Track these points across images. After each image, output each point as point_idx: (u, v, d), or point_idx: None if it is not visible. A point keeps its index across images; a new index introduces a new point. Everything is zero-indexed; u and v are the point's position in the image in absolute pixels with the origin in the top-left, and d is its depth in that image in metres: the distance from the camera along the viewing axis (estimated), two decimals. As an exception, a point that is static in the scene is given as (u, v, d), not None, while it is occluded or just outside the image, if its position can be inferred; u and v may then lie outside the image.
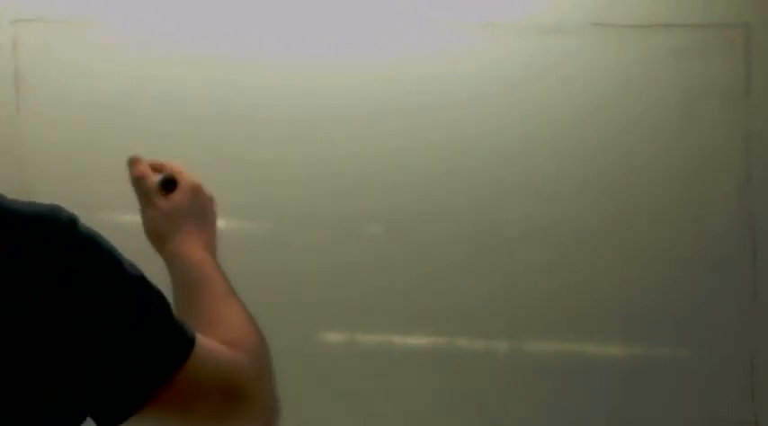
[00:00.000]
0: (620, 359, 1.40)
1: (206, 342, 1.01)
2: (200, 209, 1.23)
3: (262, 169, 1.38)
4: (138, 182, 1.21)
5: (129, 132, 1.37)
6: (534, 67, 1.40)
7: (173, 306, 1.09)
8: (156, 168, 1.24)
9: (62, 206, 0.91)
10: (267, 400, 1.11)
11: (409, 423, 1.39)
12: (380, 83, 1.39)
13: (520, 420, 1.40)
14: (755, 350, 1.39)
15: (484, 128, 1.40)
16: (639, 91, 1.40)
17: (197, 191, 1.23)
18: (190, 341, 0.98)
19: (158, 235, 1.23)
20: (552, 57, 1.40)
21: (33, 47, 1.35)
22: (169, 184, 1.22)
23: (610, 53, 1.40)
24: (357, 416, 1.39)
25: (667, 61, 1.40)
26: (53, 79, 1.35)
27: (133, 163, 1.20)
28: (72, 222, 0.91)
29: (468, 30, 1.40)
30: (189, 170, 1.28)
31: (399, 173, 1.40)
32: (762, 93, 1.40)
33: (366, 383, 1.39)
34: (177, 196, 1.21)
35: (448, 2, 1.40)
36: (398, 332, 1.40)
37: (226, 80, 1.37)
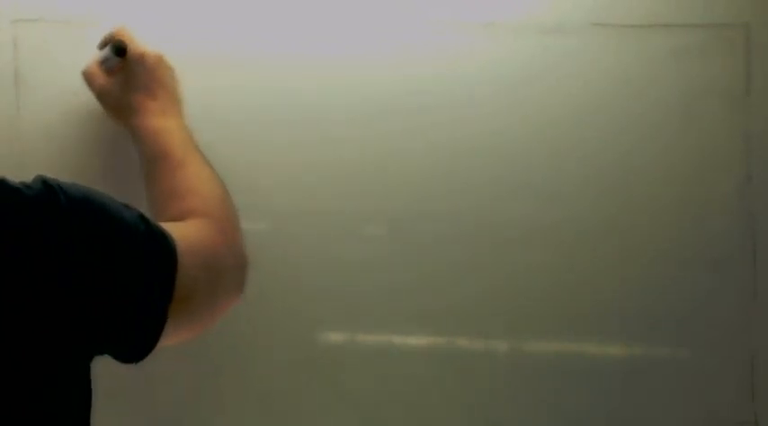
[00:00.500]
0: (620, 359, 1.40)
1: (180, 236, 1.05)
2: (150, 75, 1.26)
3: (260, 169, 1.38)
4: (85, 77, 1.28)
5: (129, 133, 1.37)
6: (534, 67, 1.40)
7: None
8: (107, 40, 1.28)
9: (44, 177, 0.95)
10: (238, 251, 1.18)
11: (409, 423, 1.39)
12: (380, 83, 1.39)
13: (520, 420, 1.40)
14: (755, 350, 1.39)
15: (484, 128, 1.40)
16: (639, 91, 1.40)
17: (143, 59, 1.26)
18: (173, 251, 1.03)
19: (116, 115, 1.28)
20: (552, 57, 1.40)
21: (33, 47, 1.35)
22: (121, 50, 1.24)
23: (610, 53, 1.40)
24: (357, 416, 1.39)
25: (667, 61, 1.40)
26: (53, 79, 1.35)
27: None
28: (61, 189, 0.95)
29: (468, 30, 1.40)
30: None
31: (399, 173, 1.40)
32: (762, 93, 1.40)
33: (366, 383, 1.39)
34: (123, 72, 1.25)
35: (448, 2, 1.40)
36: (398, 332, 1.40)
37: (225, 80, 1.37)
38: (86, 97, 1.32)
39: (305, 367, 1.39)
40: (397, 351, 1.39)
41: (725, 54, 1.40)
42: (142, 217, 1.03)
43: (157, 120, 1.23)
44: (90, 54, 1.30)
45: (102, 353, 1.01)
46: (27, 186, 0.96)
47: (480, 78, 1.40)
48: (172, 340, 1.06)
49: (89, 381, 0.99)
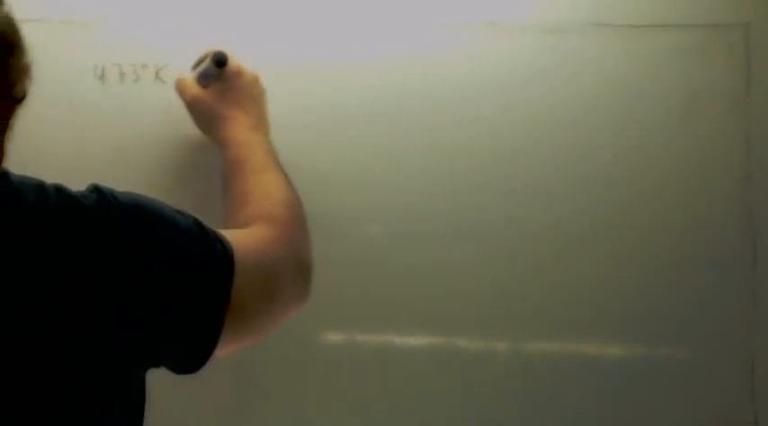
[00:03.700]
0: (620, 359, 1.40)
1: (238, 242, 1.05)
2: (245, 91, 1.30)
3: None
4: (178, 86, 1.31)
5: (130, 133, 1.37)
6: (534, 67, 1.40)
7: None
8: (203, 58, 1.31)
9: (98, 185, 0.95)
10: (301, 257, 1.19)
11: (409, 423, 1.39)
12: (381, 83, 1.39)
13: (520, 420, 1.40)
14: (755, 350, 1.39)
15: (484, 127, 1.40)
16: (639, 91, 1.40)
17: (240, 75, 1.29)
18: (229, 257, 1.02)
19: (204, 124, 1.31)
20: (552, 57, 1.40)
21: (33, 47, 1.35)
22: (221, 61, 1.28)
23: (610, 53, 1.40)
24: (357, 416, 1.39)
25: (667, 61, 1.40)
26: (53, 79, 1.35)
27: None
28: (114, 198, 0.96)
29: (469, 29, 1.40)
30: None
31: (400, 172, 1.40)
32: (762, 93, 1.40)
33: (366, 383, 1.39)
34: (218, 85, 1.29)
35: (449, 2, 1.40)
36: (398, 333, 1.40)
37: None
38: (86, 97, 1.32)
39: (305, 367, 1.39)
40: (397, 351, 1.39)
41: (725, 54, 1.40)
42: (197, 222, 1.02)
43: (246, 132, 1.26)
44: (89, 54, 1.31)
45: (158, 365, 1.00)
46: (84, 195, 0.96)
47: (481, 78, 1.40)
48: (229, 348, 1.05)
49: (143, 392, 0.99)
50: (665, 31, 1.40)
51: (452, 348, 1.40)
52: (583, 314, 1.40)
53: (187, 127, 1.37)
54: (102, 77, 1.37)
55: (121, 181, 1.28)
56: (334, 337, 1.40)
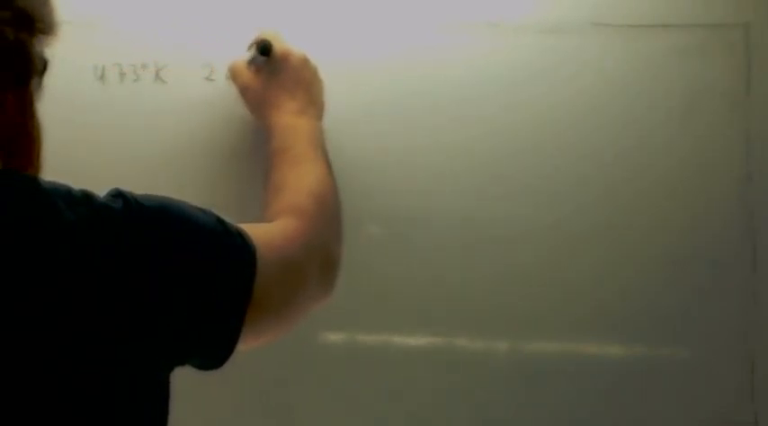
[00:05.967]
0: (620, 359, 1.40)
1: (261, 238, 1.05)
2: (292, 75, 1.29)
3: (261, 169, 1.38)
4: (230, 73, 1.32)
5: (130, 133, 1.37)
6: (534, 67, 1.40)
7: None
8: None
9: (120, 189, 0.95)
10: (325, 251, 1.18)
11: (409, 423, 1.39)
12: (382, 83, 1.40)
13: (520, 420, 1.40)
14: (755, 350, 1.39)
15: (484, 127, 1.40)
16: (639, 91, 1.40)
17: (287, 58, 1.29)
18: (251, 255, 1.02)
19: (255, 110, 1.32)
20: (552, 57, 1.40)
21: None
22: (266, 49, 1.28)
23: (610, 53, 1.40)
24: (357, 416, 1.39)
25: (667, 61, 1.40)
26: (54, 79, 1.35)
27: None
28: (137, 201, 0.96)
29: (469, 30, 1.40)
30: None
31: (400, 172, 1.40)
32: (762, 93, 1.40)
33: (366, 383, 1.39)
34: (268, 70, 1.29)
35: (449, 2, 1.40)
36: (398, 333, 1.40)
37: (227, 81, 1.37)
38: (87, 98, 1.32)
39: (305, 367, 1.39)
40: (397, 351, 1.39)
41: (725, 54, 1.40)
42: (220, 220, 1.03)
43: (291, 118, 1.26)
44: (89, 54, 1.31)
45: (182, 363, 1.01)
46: (110, 200, 0.96)
47: (481, 78, 1.40)
48: (253, 342, 1.05)
49: (168, 392, 0.99)
50: (665, 31, 1.40)
51: (452, 348, 1.40)
52: (583, 314, 1.40)
53: (187, 127, 1.37)
54: (102, 77, 1.37)
55: (121, 182, 1.28)
56: (334, 337, 1.40)
